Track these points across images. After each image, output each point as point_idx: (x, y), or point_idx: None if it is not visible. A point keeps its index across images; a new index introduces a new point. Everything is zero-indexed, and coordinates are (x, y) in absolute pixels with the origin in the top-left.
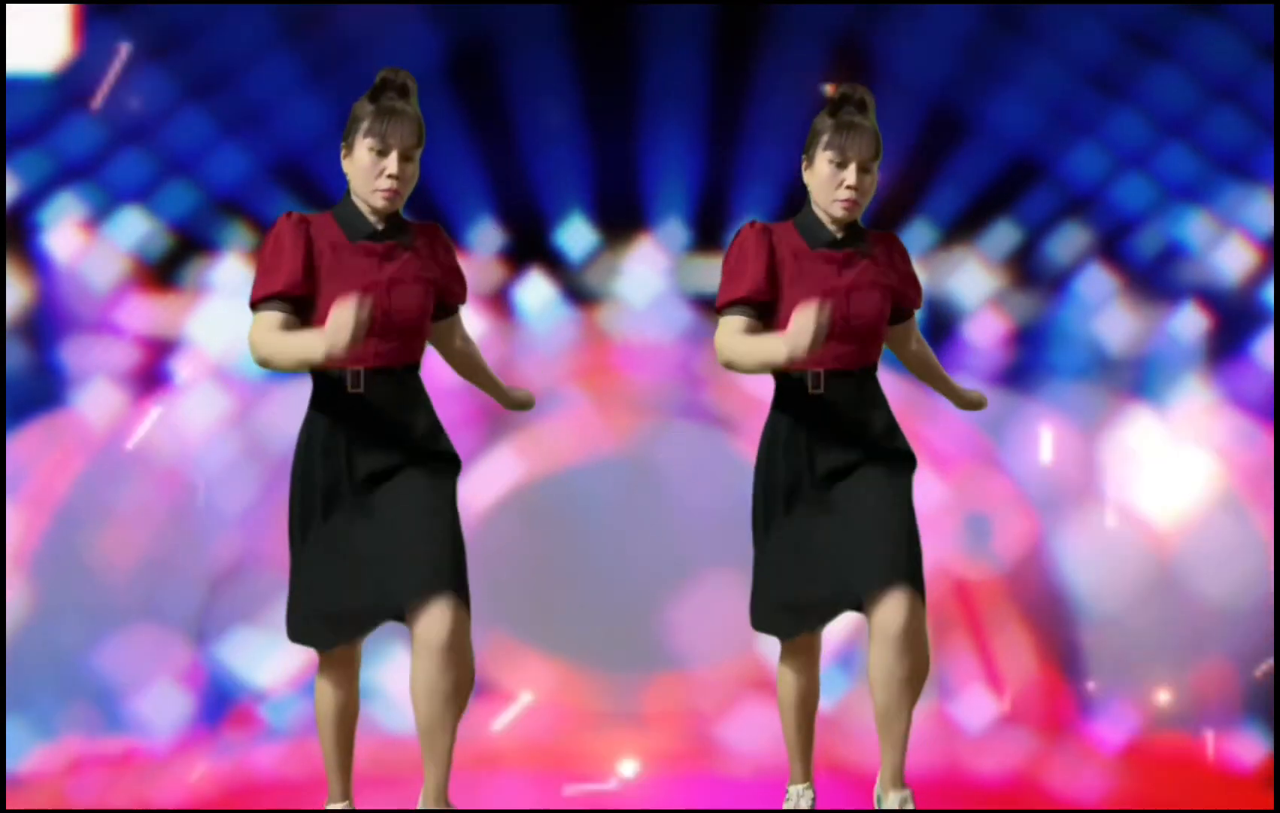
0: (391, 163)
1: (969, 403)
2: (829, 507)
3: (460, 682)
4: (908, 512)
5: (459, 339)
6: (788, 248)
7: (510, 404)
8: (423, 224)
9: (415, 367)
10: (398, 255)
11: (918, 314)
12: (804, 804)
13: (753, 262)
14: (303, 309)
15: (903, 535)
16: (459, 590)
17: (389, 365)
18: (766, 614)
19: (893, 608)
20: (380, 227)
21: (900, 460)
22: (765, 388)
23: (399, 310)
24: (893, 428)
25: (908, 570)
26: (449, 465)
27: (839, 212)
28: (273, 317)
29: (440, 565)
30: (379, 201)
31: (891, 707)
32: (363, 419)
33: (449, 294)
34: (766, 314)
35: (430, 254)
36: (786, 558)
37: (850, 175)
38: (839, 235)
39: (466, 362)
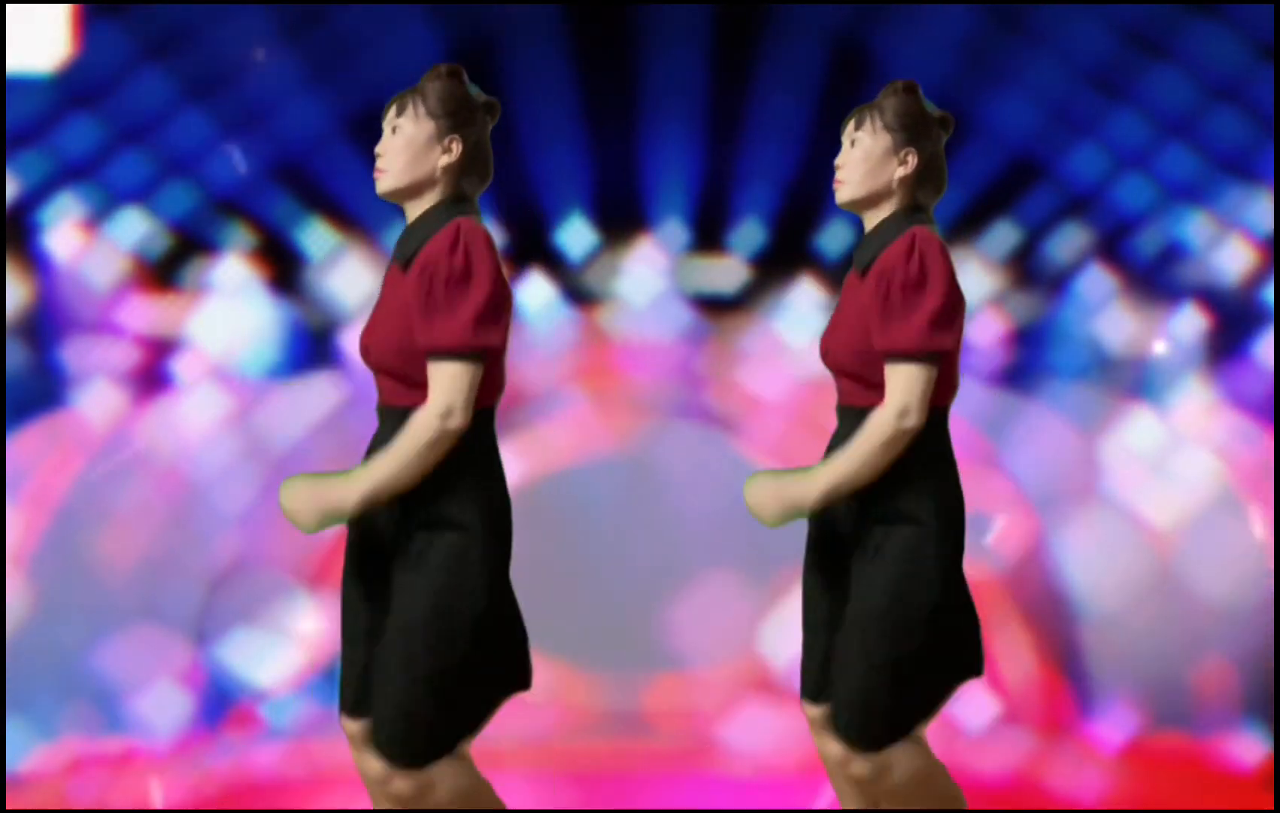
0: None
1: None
2: (829, 570)
3: None
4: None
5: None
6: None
7: None
8: (444, 230)
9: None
10: (399, 281)
11: (900, 369)
12: None
13: None
14: None
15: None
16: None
17: (384, 404)
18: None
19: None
20: (403, 239)
21: (896, 537)
22: (765, 387)
23: (368, 348)
24: (898, 487)
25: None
26: (420, 554)
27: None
28: None
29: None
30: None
31: None
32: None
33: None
34: None
35: (424, 274)
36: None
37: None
38: (863, 251)
39: None
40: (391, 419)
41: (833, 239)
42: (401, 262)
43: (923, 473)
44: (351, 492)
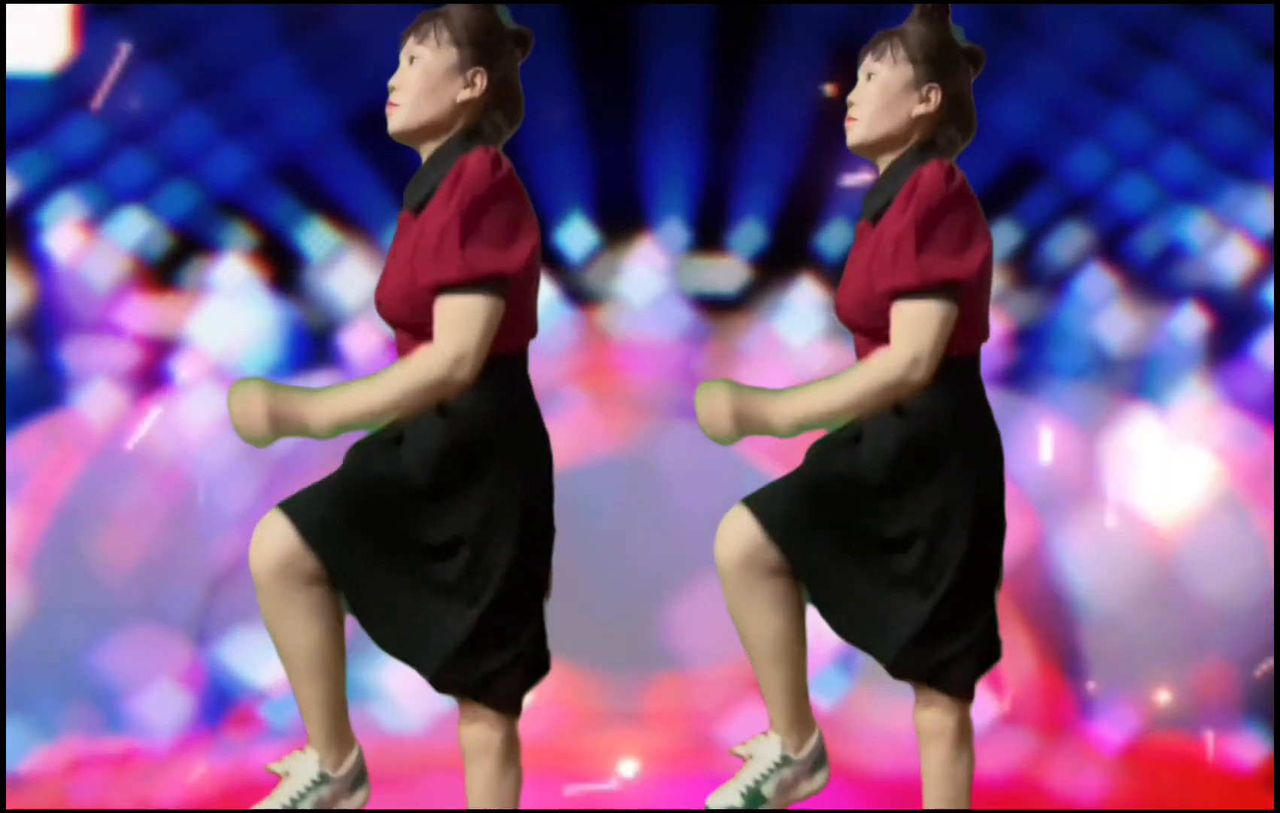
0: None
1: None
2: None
3: None
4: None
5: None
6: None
7: None
8: (463, 159)
9: None
10: (409, 226)
11: (907, 309)
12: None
13: None
14: None
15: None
16: None
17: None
18: None
19: None
20: (415, 182)
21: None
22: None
23: (380, 302)
24: (894, 454)
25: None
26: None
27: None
28: None
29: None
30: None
31: None
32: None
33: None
34: None
35: (431, 212)
36: None
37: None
38: (874, 197)
39: None
40: None
41: (832, 239)
42: (414, 207)
43: (953, 439)
44: (321, 411)
